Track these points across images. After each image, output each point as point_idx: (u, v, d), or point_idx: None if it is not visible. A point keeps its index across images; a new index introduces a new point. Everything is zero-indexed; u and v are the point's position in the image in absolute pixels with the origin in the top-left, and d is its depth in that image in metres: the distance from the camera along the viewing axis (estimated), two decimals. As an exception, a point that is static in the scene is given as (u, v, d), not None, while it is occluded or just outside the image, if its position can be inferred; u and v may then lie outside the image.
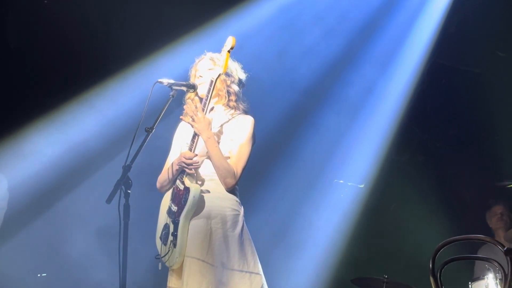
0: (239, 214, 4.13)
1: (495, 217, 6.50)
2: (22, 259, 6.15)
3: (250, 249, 4.11)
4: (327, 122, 7.18)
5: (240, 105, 4.30)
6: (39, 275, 6.28)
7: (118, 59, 6.52)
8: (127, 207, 3.76)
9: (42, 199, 6.27)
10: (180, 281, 4.03)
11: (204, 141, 4.05)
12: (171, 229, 4.04)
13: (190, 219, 4.04)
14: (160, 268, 4.12)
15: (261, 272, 4.11)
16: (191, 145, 4.07)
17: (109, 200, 3.72)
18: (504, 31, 6.98)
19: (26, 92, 6.54)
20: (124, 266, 3.68)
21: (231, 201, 4.13)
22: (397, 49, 7.20)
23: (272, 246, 6.71)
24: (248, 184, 4.79)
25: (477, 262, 6.17)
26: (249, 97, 4.37)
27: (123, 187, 3.77)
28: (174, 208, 4.06)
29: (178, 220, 4.02)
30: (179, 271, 4.05)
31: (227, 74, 4.23)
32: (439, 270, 3.03)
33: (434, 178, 7.49)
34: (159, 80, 4.12)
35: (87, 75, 6.43)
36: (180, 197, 4.04)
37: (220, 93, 4.26)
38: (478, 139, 7.50)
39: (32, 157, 6.28)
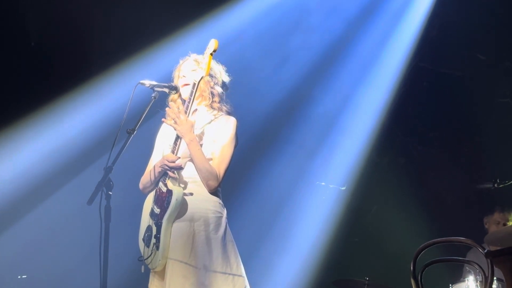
0: (222, 216, 4.12)
1: (495, 225, 6.36)
2: (2, 260, 6.10)
3: (233, 251, 4.10)
4: (309, 124, 7.19)
5: (223, 106, 4.28)
6: (19, 276, 6.23)
7: (100, 61, 6.48)
8: (108, 208, 3.73)
9: (23, 201, 6.23)
10: (162, 283, 4.01)
11: (187, 144, 4.03)
12: (154, 232, 4.03)
13: (173, 222, 4.02)
14: (142, 271, 4.09)
15: (244, 274, 4.11)
16: (174, 147, 4.05)
17: (90, 202, 3.69)
18: (484, 34, 7.04)
19: (11, 92, 6.50)
20: (105, 268, 3.65)
21: (214, 203, 4.12)
22: (378, 52, 7.24)
23: (254, 248, 6.71)
24: (231, 186, 4.79)
25: (465, 264, 6.13)
26: (231, 99, 4.37)
27: (104, 188, 3.74)
28: (157, 210, 4.05)
29: (161, 223, 4.00)
30: (162, 273, 4.03)
31: (211, 76, 4.21)
32: (420, 272, 3.05)
33: (415, 180, 7.52)
34: (141, 81, 4.09)
35: (69, 77, 6.40)
36: (162, 200, 4.02)
37: (204, 94, 4.24)
38: (460, 141, 7.55)
39: (13, 159, 6.24)
